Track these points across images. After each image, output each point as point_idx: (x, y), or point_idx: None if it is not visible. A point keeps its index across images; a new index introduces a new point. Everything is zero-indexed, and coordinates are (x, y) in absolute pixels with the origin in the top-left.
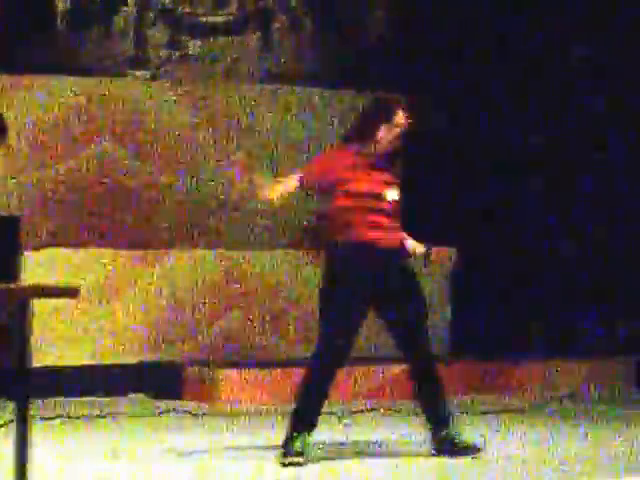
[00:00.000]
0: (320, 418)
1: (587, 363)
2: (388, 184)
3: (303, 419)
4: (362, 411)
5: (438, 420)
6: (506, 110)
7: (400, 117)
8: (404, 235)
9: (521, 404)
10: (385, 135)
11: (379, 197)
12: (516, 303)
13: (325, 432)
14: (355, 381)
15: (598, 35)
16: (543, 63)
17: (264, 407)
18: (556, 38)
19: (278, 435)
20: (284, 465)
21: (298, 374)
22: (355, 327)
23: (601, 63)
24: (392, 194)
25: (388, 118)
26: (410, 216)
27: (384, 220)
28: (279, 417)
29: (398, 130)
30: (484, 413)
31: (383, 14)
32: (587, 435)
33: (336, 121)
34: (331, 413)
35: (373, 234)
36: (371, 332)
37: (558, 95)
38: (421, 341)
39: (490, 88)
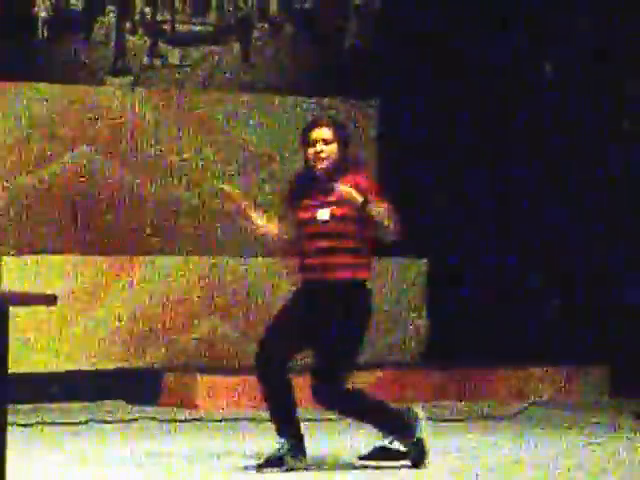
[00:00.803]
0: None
1: (560, 371)
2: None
3: (277, 428)
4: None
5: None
6: (488, 119)
7: (313, 134)
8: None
9: (494, 412)
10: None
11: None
12: (490, 312)
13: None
14: None
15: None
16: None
17: (241, 413)
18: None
19: (254, 441)
20: (259, 470)
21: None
22: (283, 339)
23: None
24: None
25: (304, 139)
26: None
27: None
28: (256, 423)
29: (311, 149)
30: (457, 420)
31: (360, 25)
32: (558, 442)
33: None
34: (310, 420)
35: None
36: None
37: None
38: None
39: (466, 98)
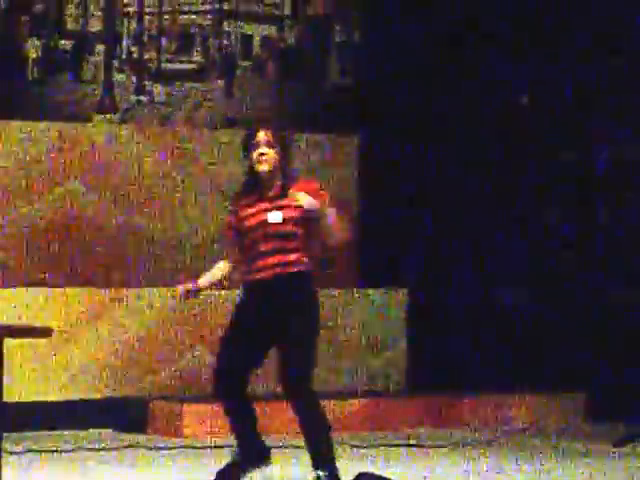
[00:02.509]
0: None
1: (538, 397)
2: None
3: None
4: None
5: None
6: (468, 152)
7: (256, 137)
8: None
9: (474, 438)
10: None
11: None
12: (470, 339)
13: (288, 466)
14: None
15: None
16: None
17: (228, 440)
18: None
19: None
20: None
21: (262, 408)
22: (238, 357)
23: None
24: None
25: (247, 144)
26: (365, 256)
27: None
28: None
29: (256, 152)
30: (437, 447)
31: (341, 61)
32: (534, 468)
33: (298, 164)
34: (288, 447)
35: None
36: (328, 367)
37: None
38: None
39: (450, 131)
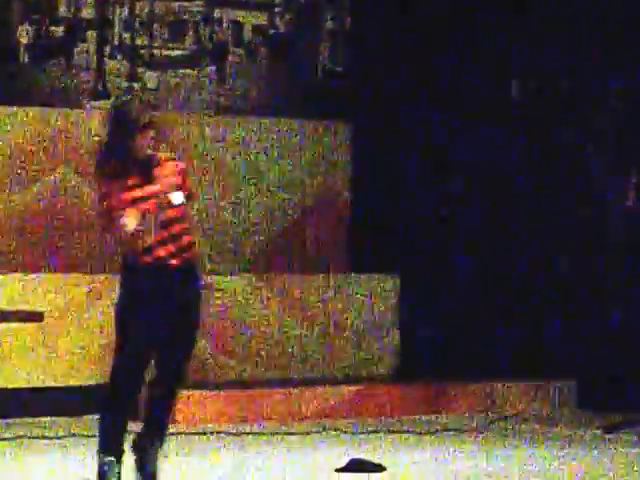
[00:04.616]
0: (266, 439)
1: (529, 384)
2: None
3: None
4: (309, 433)
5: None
6: (461, 139)
7: (146, 119)
8: None
9: (465, 424)
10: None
11: None
12: (460, 327)
13: (275, 454)
14: (302, 402)
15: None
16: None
17: (221, 427)
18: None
19: (234, 455)
20: None
21: (252, 394)
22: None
23: None
24: None
25: (135, 126)
26: (357, 245)
27: None
28: (235, 437)
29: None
30: (428, 433)
31: (332, 47)
32: (526, 455)
33: (288, 151)
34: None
35: None
36: (320, 354)
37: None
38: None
39: (440, 117)
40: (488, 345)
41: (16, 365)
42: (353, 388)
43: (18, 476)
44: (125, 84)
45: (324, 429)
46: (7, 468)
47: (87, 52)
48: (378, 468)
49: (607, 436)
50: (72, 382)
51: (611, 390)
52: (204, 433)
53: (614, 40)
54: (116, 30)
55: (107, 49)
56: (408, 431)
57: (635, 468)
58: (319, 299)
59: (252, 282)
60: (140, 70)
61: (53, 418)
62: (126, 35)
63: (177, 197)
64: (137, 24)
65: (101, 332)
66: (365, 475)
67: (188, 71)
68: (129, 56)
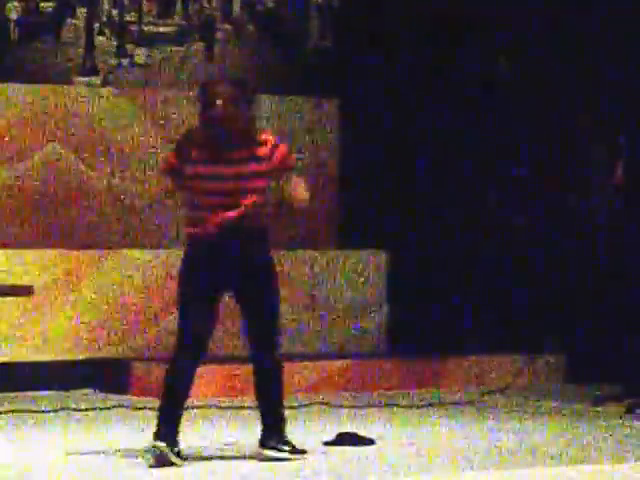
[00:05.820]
0: (254, 414)
1: (519, 359)
2: None
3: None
4: (301, 406)
5: (274, 420)
6: (450, 117)
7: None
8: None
9: (456, 398)
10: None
11: None
12: (450, 302)
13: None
14: (291, 377)
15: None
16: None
17: (213, 401)
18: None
19: (227, 429)
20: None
21: (243, 369)
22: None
23: None
24: None
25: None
26: (346, 220)
27: None
28: (228, 411)
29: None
30: (418, 407)
31: (321, 24)
32: (516, 428)
33: (277, 127)
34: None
35: None
36: (310, 329)
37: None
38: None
39: (429, 95)
40: (478, 319)
41: (4, 340)
42: (342, 363)
43: (5, 450)
44: (114, 60)
45: (313, 403)
46: None
47: (76, 28)
48: (367, 442)
49: (596, 409)
50: (61, 357)
51: (599, 363)
52: (199, 407)
53: None
54: (105, 6)
55: (96, 25)
56: (398, 405)
57: (623, 441)
58: (308, 274)
59: None
60: (129, 46)
61: (42, 393)
62: (115, 11)
63: None
64: (126, 0)
65: (91, 307)
66: (354, 448)
67: (177, 47)
68: (118, 32)
